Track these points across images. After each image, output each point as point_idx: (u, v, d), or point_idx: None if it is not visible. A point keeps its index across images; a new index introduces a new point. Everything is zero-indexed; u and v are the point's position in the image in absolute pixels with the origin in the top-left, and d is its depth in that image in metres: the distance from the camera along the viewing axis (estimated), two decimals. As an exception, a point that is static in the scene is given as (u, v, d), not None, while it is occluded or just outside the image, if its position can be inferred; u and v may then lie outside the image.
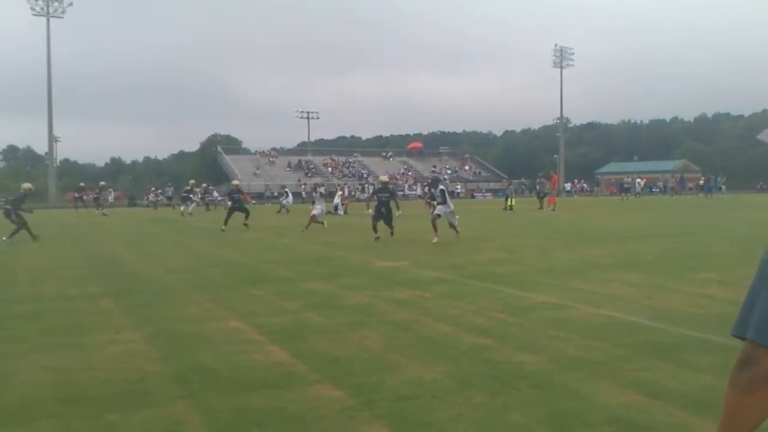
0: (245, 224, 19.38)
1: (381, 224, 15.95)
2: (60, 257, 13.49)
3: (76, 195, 41.24)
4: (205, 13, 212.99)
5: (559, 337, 5.75)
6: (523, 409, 3.95)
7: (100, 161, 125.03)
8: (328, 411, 3.99)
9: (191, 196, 33.46)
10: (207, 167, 78.48)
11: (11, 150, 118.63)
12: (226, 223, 19.70)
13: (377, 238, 15.56)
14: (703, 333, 5.82)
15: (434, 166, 75.91)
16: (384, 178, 18.46)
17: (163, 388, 4.52)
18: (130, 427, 3.80)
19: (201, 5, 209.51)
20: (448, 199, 15.29)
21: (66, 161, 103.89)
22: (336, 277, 9.74)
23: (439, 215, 15.01)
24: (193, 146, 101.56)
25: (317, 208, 20.05)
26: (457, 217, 15.57)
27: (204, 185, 37.30)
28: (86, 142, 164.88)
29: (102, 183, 44.16)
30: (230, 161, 71.40)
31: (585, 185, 79.46)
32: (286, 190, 35.79)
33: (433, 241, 14.47)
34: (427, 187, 22.18)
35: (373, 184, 69.03)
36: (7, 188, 65.75)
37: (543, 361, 4.97)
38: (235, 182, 23.23)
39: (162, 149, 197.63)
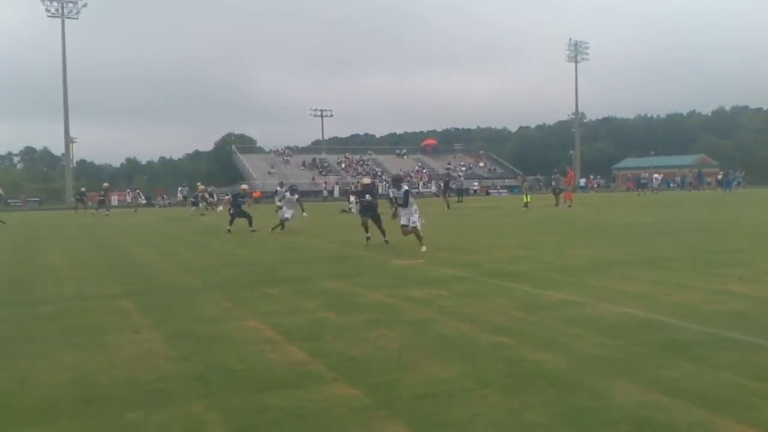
0: (252, 230, 18.96)
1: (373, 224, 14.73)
2: (79, 258, 13.63)
3: (77, 198, 41.77)
4: (219, 13, 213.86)
5: (577, 335, 5.73)
6: (541, 408, 3.94)
7: (116, 161, 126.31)
8: (346, 410, 4.00)
9: (199, 200, 34.19)
10: (222, 166, 79.03)
11: (28, 151, 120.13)
12: (230, 223, 19.38)
13: (368, 238, 14.47)
14: (724, 330, 5.76)
15: (449, 163, 75.75)
16: (366, 180, 16.76)
17: (182, 387, 4.55)
18: (151, 427, 3.83)
19: (216, 6, 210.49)
20: (410, 201, 13.27)
21: (82, 162, 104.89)
22: (352, 276, 9.75)
23: (406, 225, 13.09)
24: (207, 146, 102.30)
25: (288, 212, 19.26)
26: (423, 221, 13.50)
27: (202, 187, 37.16)
28: (102, 143, 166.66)
29: (105, 184, 44.39)
30: (244, 160, 71.75)
31: (601, 181, 78.91)
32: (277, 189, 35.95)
33: (423, 249, 12.67)
34: (388, 188, 20.46)
35: (386, 181, 69.25)
36: (26, 189, 66.63)
37: (561, 360, 4.95)
38: (244, 186, 22.21)
39: (177, 149, 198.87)
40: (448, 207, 32.72)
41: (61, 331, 6.47)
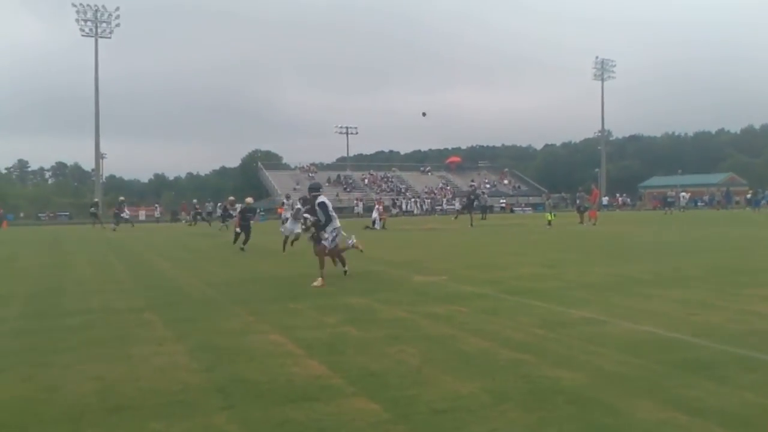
0: (242, 248, 18.19)
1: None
2: (106, 271, 13.88)
3: (93, 211, 42.36)
4: (246, 31, 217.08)
5: (597, 353, 5.71)
6: (559, 424, 3.94)
7: (145, 177, 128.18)
8: (365, 424, 4.04)
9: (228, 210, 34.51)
10: (248, 182, 79.94)
11: (60, 167, 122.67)
12: (237, 241, 18.63)
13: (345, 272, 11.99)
14: (747, 350, 5.70)
15: (472, 180, 75.66)
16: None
17: (204, 399, 4.63)
18: (173, 436, 3.91)
19: (243, 23, 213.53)
20: (332, 218, 11.24)
21: (112, 177, 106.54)
22: (373, 292, 9.80)
23: (325, 246, 11.23)
24: (234, 162, 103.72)
25: (294, 226, 17.39)
26: (352, 241, 12.26)
27: (231, 198, 37.34)
28: (131, 159, 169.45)
29: (121, 198, 44.86)
30: (270, 176, 72.53)
31: (627, 199, 78.16)
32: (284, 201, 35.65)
33: (314, 284, 10.63)
34: (301, 203, 17.61)
35: (413, 198, 69.31)
36: (56, 204, 67.92)
37: (581, 377, 4.94)
38: (248, 199, 20.81)
39: (204, 165, 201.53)
40: (471, 224, 32.71)
41: (88, 342, 6.61)
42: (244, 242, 18.40)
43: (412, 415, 4.18)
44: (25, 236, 32.37)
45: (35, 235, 33.79)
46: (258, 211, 35.66)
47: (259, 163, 79.52)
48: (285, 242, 17.96)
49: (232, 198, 35.00)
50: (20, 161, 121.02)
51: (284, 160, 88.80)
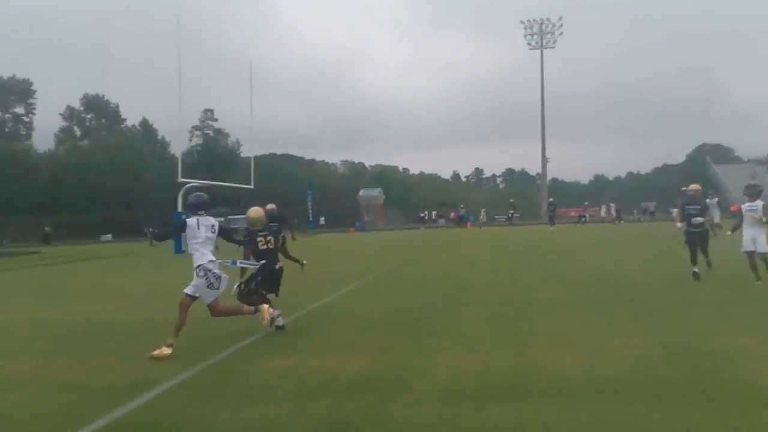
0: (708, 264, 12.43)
1: None
2: (550, 268, 14.89)
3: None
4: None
5: None
6: None
7: (585, 179, 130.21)
8: None
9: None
10: (693, 179, 74.74)
11: (509, 172, 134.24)
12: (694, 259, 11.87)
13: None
14: None
15: None
16: (695, 185, 12.42)
17: (679, 391, 4.85)
18: (653, 420, 4.26)
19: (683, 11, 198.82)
20: (195, 248, 7.07)
21: (554, 180, 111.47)
22: None
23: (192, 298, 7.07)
24: (677, 158, 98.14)
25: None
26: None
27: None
28: (571, 161, 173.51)
29: (550, 199, 46.23)
30: (719, 171, 66.57)
31: None
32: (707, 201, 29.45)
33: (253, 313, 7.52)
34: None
35: None
36: (508, 206, 74.77)
37: None
38: (694, 186, 13.43)
39: (646, 164, 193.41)
40: None
41: (551, 330, 7.38)
42: (705, 253, 12.19)
43: None
44: (487, 236, 36.55)
45: (495, 234, 37.78)
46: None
47: (708, 158, 73.65)
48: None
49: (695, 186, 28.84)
50: (476, 169, 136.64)
51: (736, 153, 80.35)
